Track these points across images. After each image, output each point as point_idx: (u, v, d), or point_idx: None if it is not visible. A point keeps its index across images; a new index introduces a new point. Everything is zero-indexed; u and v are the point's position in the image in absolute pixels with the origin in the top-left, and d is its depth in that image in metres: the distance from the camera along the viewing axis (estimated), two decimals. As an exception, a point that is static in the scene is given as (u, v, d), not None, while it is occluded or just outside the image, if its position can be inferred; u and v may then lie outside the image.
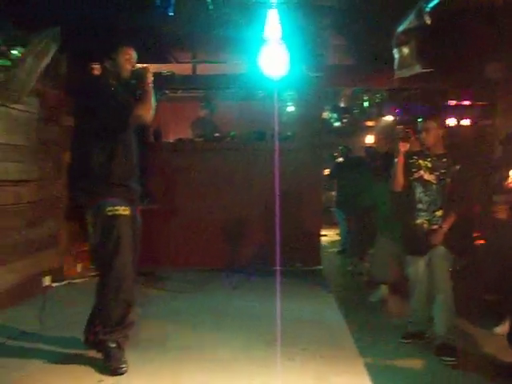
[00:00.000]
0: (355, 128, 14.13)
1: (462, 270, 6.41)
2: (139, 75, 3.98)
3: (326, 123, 11.72)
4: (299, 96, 8.03)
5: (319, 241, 7.99)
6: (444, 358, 4.37)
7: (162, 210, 7.44)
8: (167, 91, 8.38)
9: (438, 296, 4.56)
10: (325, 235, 10.64)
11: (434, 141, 4.67)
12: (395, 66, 5.96)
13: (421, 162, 4.70)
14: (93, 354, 4.11)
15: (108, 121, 3.81)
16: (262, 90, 8.47)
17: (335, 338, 4.69)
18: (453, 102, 9.89)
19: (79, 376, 3.79)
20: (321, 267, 7.72)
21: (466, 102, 9.93)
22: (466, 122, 9.97)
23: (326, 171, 10.55)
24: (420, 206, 4.68)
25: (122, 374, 3.78)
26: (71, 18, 5.48)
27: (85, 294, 6.09)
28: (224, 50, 7.40)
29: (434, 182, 4.64)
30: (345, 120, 12.65)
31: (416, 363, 4.39)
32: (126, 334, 3.98)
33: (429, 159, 4.69)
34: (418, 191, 4.69)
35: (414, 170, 4.70)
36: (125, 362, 3.85)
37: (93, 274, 7.07)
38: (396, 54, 5.90)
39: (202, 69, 7.94)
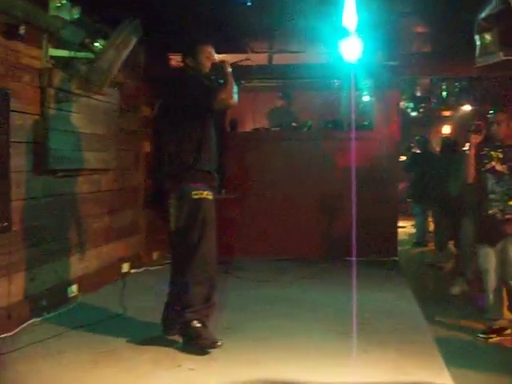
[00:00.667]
0: (432, 118, 13.84)
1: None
2: (218, 68, 4.12)
3: (403, 113, 11.51)
4: (376, 85, 7.90)
5: (396, 232, 7.88)
6: None
7: (238, 200, 7.50)
8: (243, 81, 8.41)
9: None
10: (403, 227, 10.49)
11: (506, 132, 4.66)
12: (476, 54, 5.78)
13: (492, 153, 4.69)
14: (172, 338, 4.22)
15: (193, 106, 3.97)
16: (338, 80, 8.39)
17: (412, 330, 4.60)
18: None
19: (158, 359, 3.87)
20: (396, 258, 7.62)
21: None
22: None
23: (402, 158, 10.40)
24: (492, 196, 4.67)
25: (216, 347, 3.91)
26: (151, 9, 5.58)
27: (161, 280, 6.31)
28: (300, 40, 7.36)
29: (506, 172, 4.61)
30: (421, 110, 12.39)
31: (496, 358, 4.32)
32: (209, 314, 4.09)
33: (500, 150, 4.67)
34: (491, 182, 4.69)
35: (485, 161, 4.67)
36: (217, 339, 3.96)
37: (168, 262, 7.23)
38: (477, 40, 5.72)
39: (278, 59, 7.91)
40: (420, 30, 7.17)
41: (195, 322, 3.97)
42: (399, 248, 8.14)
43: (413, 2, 6.18)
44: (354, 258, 6.00)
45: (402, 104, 11.30)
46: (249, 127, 8.70)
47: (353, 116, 6.60)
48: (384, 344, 4.23)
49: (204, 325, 4.01)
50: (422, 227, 10.09)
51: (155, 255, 7.49)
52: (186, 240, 4.02)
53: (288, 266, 7.12)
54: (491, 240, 4.69)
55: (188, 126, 4.03)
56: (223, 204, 7.46)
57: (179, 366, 3.76)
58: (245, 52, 7.68)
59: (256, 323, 4.76)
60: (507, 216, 4.59)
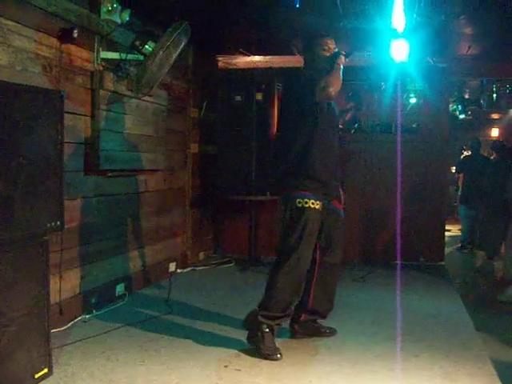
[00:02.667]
0: (480, 121, 13.59)
1: None
2: (330, 58, 4.07)
3: (451, 115, 11.33)
4: (425, 87, 7.80)
5: (443, 236, 7.77)
6: None
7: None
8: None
9: None
10: (448, 230, 10.34)
11: None
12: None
13: None
14: (217, 337, 4.26)
15: (298, 103, 3.94)
16: (386, 81, 8.31)
17: (461, 336, 4.53)
18: None
19: (205, 359, 3.90)
20: (443, 263, 7.51)
21: None
22: None
23: (453, 169, 10.26)
24: None
25: (276, 360, 3.86)
26: (200, 11, 5.63)
27: (207, 281, 6.38)
28: (350, 42, 7.32)
29: None
30: (469, 112, 12.18)
31: None
32: (282, 323, 4.09)
33: None
34: None
35: None
36: (278, 350, 3.93)
37: (214, 262, 7.30)
38: (532, 40, 5.61)
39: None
40: (470, 31, 7.05)
41: (265, 326, 3.95)
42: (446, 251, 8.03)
43: (462, 2, 6.09)
44: (402, 262, 5.95)
45: (451, 106, 11.14)
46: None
47: (400, 119, 6.53)
48: (433, 349, 4.18)
49: (272, 332, 3.98)
50: (468, 231, 9.92)
51: (201, 255, 7.56)
52: (283, 246, 4.01)
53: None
54: None
55: (295, 126, 4.00)
56: (268, 206, 7.54)
57: (226, 366, 3.78)
58: (292, 54, 7.68)
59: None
60: None
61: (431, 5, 6.11)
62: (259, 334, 3.94)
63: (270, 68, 7.87)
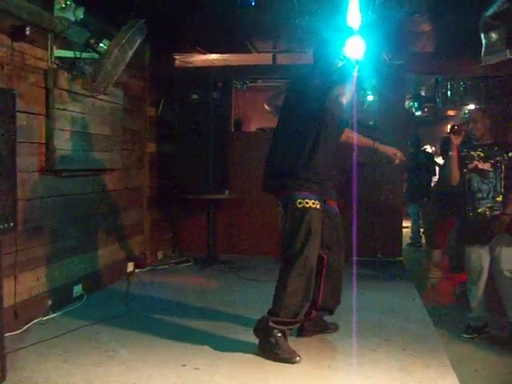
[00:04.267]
0: (436, 118, 13.81)
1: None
2: (348, 67, 4.02)
3: (408, 112, 11.47)
4: (381, 84, 7.89)
5: (400, 232, 7.88)
6: None
7: (243, 199, 7.51)
8: (248, 81, 8.44)
9: (508, 285, 4.61)
10: (406, 227, 10.48)
11: (483, 131, 4.71)
12: (482, 53, 5.77)
13: (472, 152, 4.74)
14: (177, 338, 4.24)
15: (307, 105, 3.88)
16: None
17: (418, 329, 4.60)
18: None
19: (164, 359, 3.87)
20: (401, 258, 7.62)
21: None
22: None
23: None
24: (479, 195, 4.73)
25: (296, 362, 3.79)
26: (156, 10, 5.60)
27: (165, 280, 6.35)
28: (305, 39, 7.35)
29: (491, 169, 4.67)
30: (426, 109, 12.36)
31: (497, 356, 4.38)
32: (293, 328, 4.02)
33: (480, 149, 4.73)
34: (476, 181, 4.73)
35: (467, 161, 4.71)
36: (296, 352, 3.85)
37: (173, 261, 7.27)
38: (483, 39, 5.70)
39: (283, 58, 7.92)
40: (425, 28, 7.16)
41: (276, 331, 3.88)
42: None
43: (418, 1, 6.17)
44: (359, 258, 5.99)
45: (407, 103, 11.28)
46: (254, 127, 8.72)
47: (356, 116, 6.57)
48: (389, 343, 4.24)
49: (285, 336, 3.91)
50: (416, 228, 10.08)
51: (160, 255, 7.52)
52: (289, 249, 3.94)
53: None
54: (482, 239, 4.70)
55: (301, 127, 3.95)
56: (226, 203, 7.54)
57: (184, 365, 3.76)
58: (249, 52, 7.70)
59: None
60: (496, 212, 4.63)
61: (387, 3, 6.19)
62: (272, 340, 3.86)
63: (227, 66, 7.89)
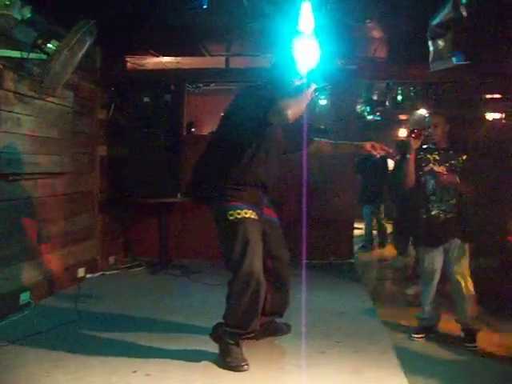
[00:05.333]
0: (389, 122, 14.00)
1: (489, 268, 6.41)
2: (302, 85, 3.92)
3: (360, 116, 11.61)
4: (332, 89, 7.96)
5: (352, 234, 7.95)
6: (467, 345, 4.58)
7: (195, 204, 7.45)
8: (201, 84, 8.40)
9: (459, 288, 4.66)
10: (359, 228, 10.57)
11: (442, 136, 4.77)
12: (430, 59, 5.87)
13: (428, 155, 4.80)
14: (128, 344, 4.17)
15: (250, 118, 3.74)
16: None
17: (368, 330, 4.67)
18: (489, 96, 9.75)
19: (114, 366, 3.81)
20: (353, 260, 7.68)
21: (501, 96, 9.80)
22: (499, 116, 9.88)
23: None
24: (433, 197, 4.77)
25: (243, 371, 3.73)
26: (105, 11, 5.52)
27: (117, 285, 6.26)
28: (258, 43, 7.37)
29: (445, 173, 4.72)
30: (378, 113, 12.53)
31: (447, 354, 4.43)
32: (246, 339, 3.94)
33: (436, 152, 4.79)
34: (431, 183, 4.78)
35: (423, 164, 4.79)
36: (245, 360, 3.79)
37: (125, 266, 7.18)
38: (431, 46, 5.81)
39: (236, 62, 7.92)
40: (377, 34, 7.25)
41: (228, 338, 3.84)
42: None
43: (370, 6, 6.25)
44: (311, 261, 6.04)
45: (359, 107, 11.41)
46: (207, 130, 8.67)
47: (308, 120, 6.62)
48: (340, 345, 4.28)
49: (237, 343, 3.86)
50: (369, 230, 10.19)
51: (112, 259, 7.40)
52: (230, 263, 3.83)
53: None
54: (436, 242, 4.78)
55: (240, 137, 3.82)
56: (180, 207, 7.49)
57: (135, 371, 3.71)
58: (202, 55, 7.67)
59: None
60: (449, 215, 4.71)
61: (338, 8, 6.24)
62: (223, 346, 3.85)
63: (180, 69, 7.84)
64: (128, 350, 4.11)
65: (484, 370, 4.11)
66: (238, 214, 3.76)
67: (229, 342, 3.84)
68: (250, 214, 3.80)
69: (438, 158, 4.76)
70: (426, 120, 4.92)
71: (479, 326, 4.76)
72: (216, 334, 3.95)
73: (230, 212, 3.76)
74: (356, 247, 9.40)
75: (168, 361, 3.90)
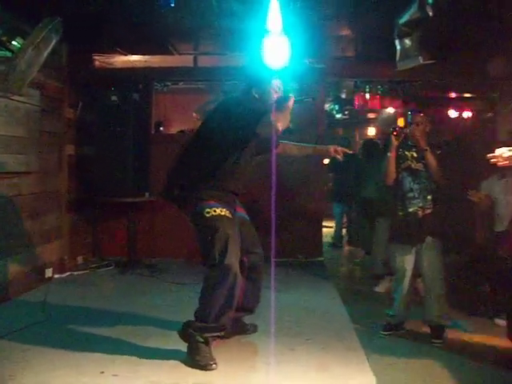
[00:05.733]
0: (357, 120, 14.10)
1: (459, 263, 6.51)
2: (283, 98, 4.08)
3: (329, 115, 11.68)
4: (301, 88, 7.99)
5: (321, 232, 7.99)
6: (434, 341, 4.69)
7: (164, 203, 7.41)
8: (169, 83, 8.37)
9: (431, 285, 4.78)
10: (330, 227, 10.63)
11: (422, 134, 4.83)
12: (397, 58, 5.93)
13: (407, 152, 4.88)
14: (95, 345, 4.14)
15: (240, 129, 3.87)
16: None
17: (337, 328, 4.70)
18: (454, 95, 9.88)
19: (82, 366, 3.77)
20: (322, 259, 7.73)
21: (468, 95, 9.94)
22: (467, 115, 10.02)
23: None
24: (411, 194, 4.84)
25: (212, 370, 3.74)
26: (71, 8, 5.47)
27: (85, 286, 6.21)
28: (226, 42, 7.37)
29: (423, 169, 4.80)
30: (347, 112, 12.61)
31: (413, 350, 4.52)
32: (217, 336, 3.96)
33: (414, 149, 4.86)
34: (408, 180, 4.86)
35: (400, 161, 4.86)
36: (214, 359, 3.80)
37: (93, 266, 7.12)
38: (398, 45, 5.87)
39: (204, 61, 7.90)
40: (345, 32, 7.30)
41: (198, 336, 3.84)
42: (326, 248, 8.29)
43: (338, 6, 6.29)
44: (280, 259, 6.03)
45: (328, 106, 11.47)
46: (175, 129, 8.64)
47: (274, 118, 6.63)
48: (309, 342, 4.31)
49: (207, 342, 3.86)
50: (339, 228, 10.25)
51: (80, 259, 7.33)
52: (210, 259, 3.86)
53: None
54: (411, 239, 4.82)
55: (219, 145, 3.95)
56: (148, 207, 7.45)
57: (102, 372, 3.68)
58: (170, 54, 7.65)
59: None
60: (427, 211, 4.76)
61: (306, 6, 6.27)
62: (193, 345, 3.84)
63: (148, 68, 7.80)
64: (96, 350, 4.05)
65: (450, 366, 4.17)
66: (215, 211, 3.87)
67: (198, 341, 3.84)
68: (225, 212, 3.92)
69: (415, 155, 4.82)
70: (409, 118, 4.95)
71: (446, 322, 4.84)
72: (186, 332, 3.93)
73: (207, 210, 3.87)
74: (326, 245, 9.48)
75: (137, 360, 3.87)
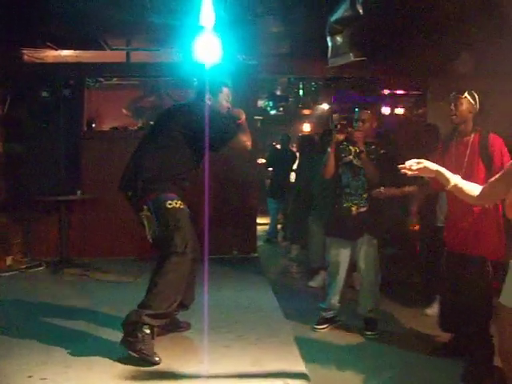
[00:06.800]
0: (292, 116, 14.22)
1: (393, 256, 6.65)
2: (234, 115, 4.37)
3: (263, 111, 11.73)
4: (234, 84, 7.98)
5: (255, 228, 8.02)
6: (367, 333, 4.83)
7: (97, 200, 7.30)
8: (101, 79, 8.24)
9: (364, 279, 4.92)
10: (265, 224, 10.68)
11: (368, 131, 4.90)
12: (329, 55, 6.00)
13: (351, 147, 4.93)
14: (24, 348, 4.04)
15: (212, 139, 4.05)
16: (196, 78, 8.40)
17: (271, 324, 4.72)
18: (386, 91, 10.08)
19: (8, 372, 3.65)
20: (256, 255, 7.77)
21: (400, 92, 10.16)
22: (399, 111, 10.24)
23: (262, 160, 10.58)
24: (348, 190, 4.94)
25: (155, 363, 3.74)
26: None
27: (13, 287, 6.04)
28: (159, 38, 7.30)
29: (363, 166, 4.83)
30: (281, 108, 12.70)
31: (347, 343, 4.65)
32: (162, 324, 4.02)
33: (357, 145, 4.91)
34: (347, 176, 4.95)
35: (343, 155, 4.91)
36: (156, 353, 3.81)
37: (24, 266, 6.93)
38: (329, 42, 5.94)
39: (137, 56, 7.81)
40: (278, 29, 7.34)
41: (146, 326, 3.81)
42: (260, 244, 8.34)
43: (270, 3, 6.31)
44: (214, 255, 6.04)
45: (262, 103, 11.52)
46: (108, 126, 8.51)
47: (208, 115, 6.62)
48: (243, 339, 4.32)
49: (153, 334, 3.86)
50: (274, 224, 10.32)
51: (9, 260, 7.12)
52: (171, 247, 3.96)
53: (149, 265, 7.01)
54: (345, 234, 4.90)
55: (179, 142, 4.14)
56: (80, 205, 7.31)
57: (30, 376, 3.58)
58: (102, 49, 7.52)
59: (115, 326, 4.62)
60: (361, 209, 4.83)
61: (238, 3, 6.27)
62: (140, 334, 3.80)
63: (80, 63, 7.65)
64: (24, 354, 3.95)
65: (383, 357, 4.29)
66: (176, 203, 4.06)
67: (145, 331, 3.82)
68: (181, 204, 4.10)
69: (358, 150, 4.87)
70: (356, 115, 5.00)
71: (379, 315, 4.94)
72: (131, 321, 3.86)
73: (169, 201, 4.04)
74: (262, 241, 9.55)
75: (66, 362, 3.80)
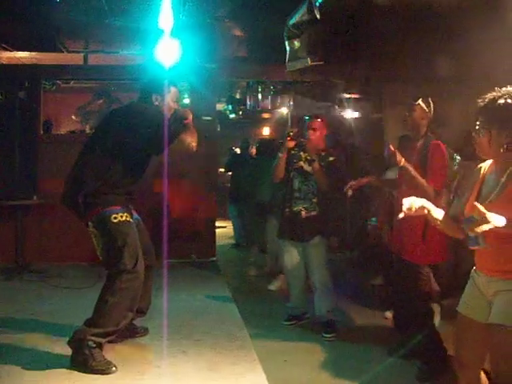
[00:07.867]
0: (251, 120, 14.21)
1: (353, 259, 6.72)
2: (181, 115, 4.16)
3: (223, 115, 11.70)
4: (193, 87, 7.97)
5: (214, 233, 8.02)
6: (324, 335, 4.82)
7: (53, 205, 7.19)
8: (58, 81, 8.14)
9: (316, 281, 4.94)
10: (224, 227, 10.66)
11: (319, 139, 5.00)
12: (286, 59, 6.05)
13: (302, 154, 5.02)
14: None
15: (152, 143, 3.91)
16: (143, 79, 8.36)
17: (228, 328, 4.74)
18: (344, 96, 10.17)
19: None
20: (215, 259, 7.78)
21: (356, 96, 10.25)
22: (355, 115, 10.31)
23: (221, 170, 10.59)
24: (297, 194, 5.01)
25: (112, 373, 3.67)
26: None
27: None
28: (117, 40, 7.26)
29: (313, 172, 4.92)
30: (240, 112, 12.67)
31: (306, 346, 4.65)
32: (110, 339, 3.90)
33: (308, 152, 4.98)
34: (297, 181, 5.03)
35: (294, 160, 5.01)
36: (111, 363, 3.74)
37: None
38: (287, 46, 5.99)
39: (95, 59, 7.74)
40: (236, 33, 7.36)
41: (91, 342, 3.72)
42: (220, 248, 8.31)
43: (229, 6, 6.34)
44: (172, 260, 6.03)
45: (222, 106, 11.50)
46: (65, 129, 8.40)
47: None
48: (200, 343, 4.32)
49: (100, 347, 3.77)
50: (237, 228, 10.29)
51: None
52: (116, 264, 3.83)
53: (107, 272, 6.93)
54: (295, 236, 4.98)
55: (120, 155, 3.93)
56: (36, 210, 7.18)
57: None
58: (59, 51, 7.44)
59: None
60: (311, 213, 4.91)
61: (197, 6, 6.28)
62: (87, 351, 3.71)
63: (35, 65, 7.55)
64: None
65: (342, 358, 4.36)
66: (121, 217, 3.89)
67: (91, 346, 3.74)
68: (127, 216, 3.95)
69: (309, 157, 4.93)
70: (306, 123, 5.05)
71: (337, 317, 5.00)
72: (76, 339, 3.80)
73: (114, 215, 3.87)
74: (229, 246, 9.56)
75: (21, 370, 3.72)
